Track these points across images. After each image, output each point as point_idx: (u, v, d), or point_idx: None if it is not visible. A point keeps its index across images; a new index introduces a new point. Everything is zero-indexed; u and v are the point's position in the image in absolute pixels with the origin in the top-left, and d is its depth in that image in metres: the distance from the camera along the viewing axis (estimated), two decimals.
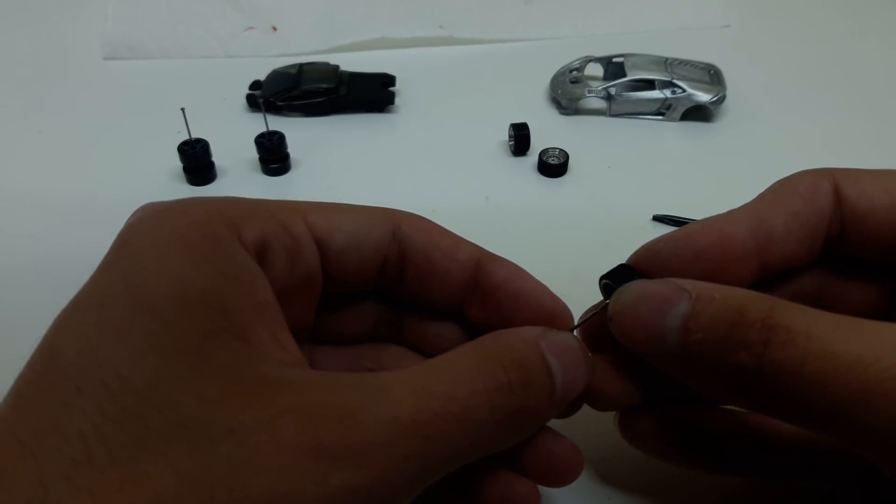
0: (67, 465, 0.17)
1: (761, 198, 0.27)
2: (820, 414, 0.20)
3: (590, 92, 0.53)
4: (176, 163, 0.47)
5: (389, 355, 0.29)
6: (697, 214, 0.44)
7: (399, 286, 0.27)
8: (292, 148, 0.49)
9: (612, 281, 0.26)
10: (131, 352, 0.19)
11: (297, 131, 0.50)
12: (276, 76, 0.54)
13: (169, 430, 0.18)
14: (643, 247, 0.27)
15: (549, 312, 0.26)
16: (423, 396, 0.21)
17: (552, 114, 0.54)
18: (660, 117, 0.53)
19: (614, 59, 0.54)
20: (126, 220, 0.24)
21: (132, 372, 0.18)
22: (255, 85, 0.54)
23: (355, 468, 0.19)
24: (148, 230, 0.22)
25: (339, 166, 0.49)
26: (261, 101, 0.51)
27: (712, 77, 0.53)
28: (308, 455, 0.18)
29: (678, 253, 0.26)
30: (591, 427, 0.30)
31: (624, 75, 0.52)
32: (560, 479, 0.26)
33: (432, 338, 0.29)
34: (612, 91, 0.52)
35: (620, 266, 0.26)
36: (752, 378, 0.21)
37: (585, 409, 0.27)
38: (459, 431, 0.21)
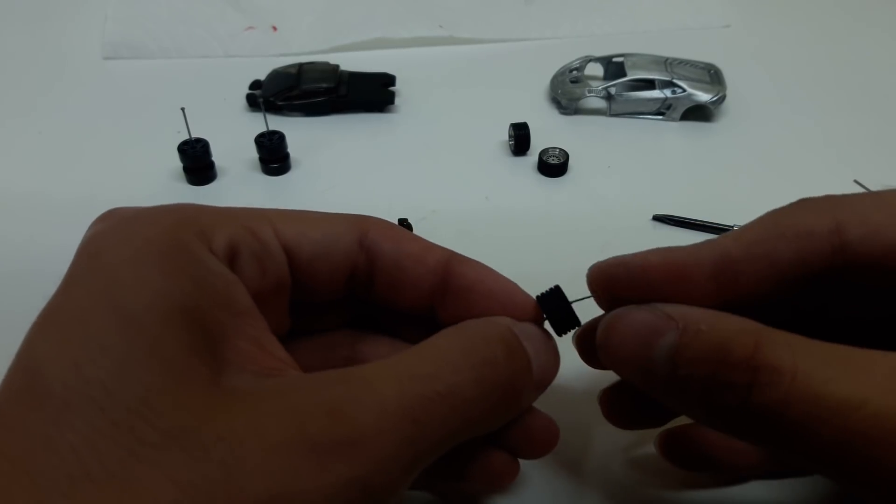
0: (65, 483, 0.17)
1: (742, 234, 0.24)
2: (806, 455, 0.20)
3: (590, 92, 0.53)
4: (176, 163, 0.47)
5: (364, 341, 0.29)
6: (697, 214, 0.44)
7: (369, 292, 0.27)
8: (292, 148, 0.49)
9: (543, 306, 0.26)
10: (117, 367, 0.19)
11: (297, 131, 0.50)
12: (276, 76, 0.54)
13: (162, 441, 0.18)
14: (601, 265, 0.26)
15: (520, 309, 0.26)
16: (407, 380, 0.21)
17: (552, 114, 0.54)
18: (660, 117, 0.53)
19: (614, 59, 0.54)
20: (95, 219, 0.23)
21: (120, 386, 0.18)
22: (255, 85, 0.54)
23: (348, 461, 0.19)
24: (119, 241, 0.21)
25: (339, 166, 0.49)
26: (261, 100, 0.51)
27: (712, 77, 0.53)
28: (299, 453, 0.18)
29: (633, 283, 0.25)
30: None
31: (624, 75, 0.52)
32: (537, 450, 0.27)
33: (404, 334, 0.29)
34: (612, 91, 0.52)
35: (555, 289, 0.27)
36: (737, 416, 0.21)
37: (585, 400, 0.28)
38: (447, 411, 0.21)
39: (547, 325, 0.27)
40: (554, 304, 0.26)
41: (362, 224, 0.26)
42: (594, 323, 0.26)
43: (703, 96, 0.51)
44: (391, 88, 0.54)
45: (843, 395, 0.19)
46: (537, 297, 0.27)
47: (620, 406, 0.29)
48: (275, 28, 0.62)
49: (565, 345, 0.27)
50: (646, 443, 0.32)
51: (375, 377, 0.21)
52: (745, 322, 0.22)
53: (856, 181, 0.46)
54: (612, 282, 0.25)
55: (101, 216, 0.24)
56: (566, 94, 0.53)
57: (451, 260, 0.27)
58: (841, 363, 0.20)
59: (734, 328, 0.21)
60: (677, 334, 0.22)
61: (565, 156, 0.48)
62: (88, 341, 0.19)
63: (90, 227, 0.23)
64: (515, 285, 0.27)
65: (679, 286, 0.24)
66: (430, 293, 0.27)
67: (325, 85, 0.53)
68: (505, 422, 0.25)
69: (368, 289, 0.27)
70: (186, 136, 0.46)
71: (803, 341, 0.21)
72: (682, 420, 0.29)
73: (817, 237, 0.23)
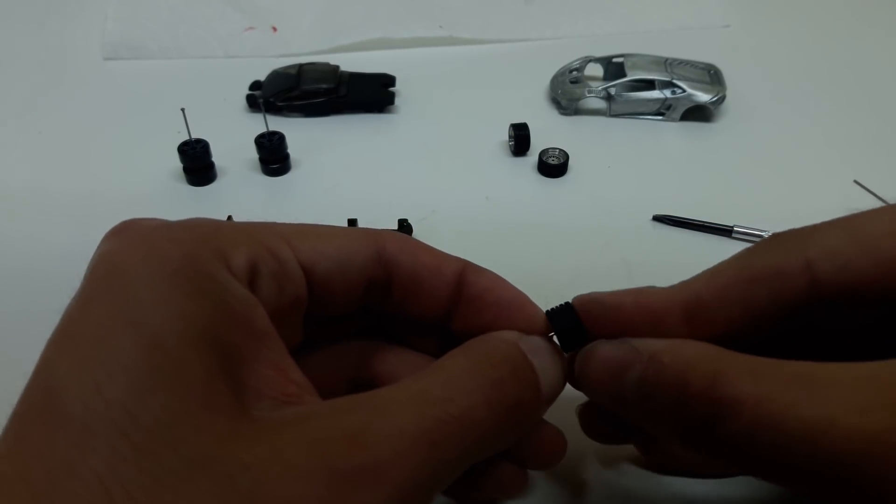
0: None
1: (714, 278, 0.25)
2: (781, 479, 0.20)
3: (590, 92, 0.53)
4: (176, 163, 0.47)
5: (374, 352, 0.29)
6: (697, 214, 0.44)
7: (384, 304, 0.27)
8: (292, 148, 0.49)
9: (553, 322, 0.26)
10: (139, 389, 0.18)
11: (297, 131, 0.50)
12: (276, 76, 0.54)
13: (186, 468, 0.18)
14: (581, 299, 0.26)
15: (528, 322, 0.26)
16: (423, 404, 0.21)
17: (552, 114, 0.54)
18: (660, 117, 0.53)
19: (614, 59, 0.54)
20: (108, 231, 0.23)
21: (142, 410, 0.18)
22: (255, 85, 0.54)
23: (369, 489, 0.19)
24: (138, 259, 0.21)
25: (339, 167, 0.49)
26: (261, 101, 0.52)
27: (712, 77, 0.53)
28: (322, 481, 0.18)
29: (607, 321, 0.25)
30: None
31: (624, 75, 0.52)
32: (546, 461, 0.28)
33: (415, 343, 0.29)
34: (612, 91, 0.52)
35: (566, 305, 0.27)
36: (708, 444, 0.21)
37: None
38: (462, 432, 0.21)
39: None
40: (563, 320, 0.26)
41: (378, 238, 0.26)
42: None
43: (703, 96, 0.51)
44: (391, 89, 0.54)
45: (810, 418, 0.19)
46: (547, 312, 0.27)
47: (596, 422, 0.29)
48: (275, 28, 0.62)
49: None
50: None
51: (391, 401, 0.21)
52: (706, 350, 0.22)
53: (856, 181, 0.46)
54: (588, 317, 0.26)
55: (115, 229, 0.23)
56: (566, 94, 0.53)
57: (465, 269, 0.27)
58: (805, 384, 0.19)
59: (693, 357, 0.22)
60: (643, 367, 0.22)
61: (565, 156, 0.48)
62: (109, 362, 0.19)
63: (104, 240, 0.23)
64: (525, 297, 0.27)
65: (651, 328, 0.24)
66: (447, 303, 0.27)
67: (324, 85, 0.53)
68: (517, 438, 0.25)
69: (384, 301, 0.27)
70: (186, 137, 0.46)
71: (766, 364, 0.20)
72: None
73: (789, 277, 0.23)
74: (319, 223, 0.27)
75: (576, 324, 0.26)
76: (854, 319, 0.24)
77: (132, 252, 0.21)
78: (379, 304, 0.27)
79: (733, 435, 0.20)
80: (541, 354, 0.25)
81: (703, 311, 0.24)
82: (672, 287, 0.25)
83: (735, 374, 0.20)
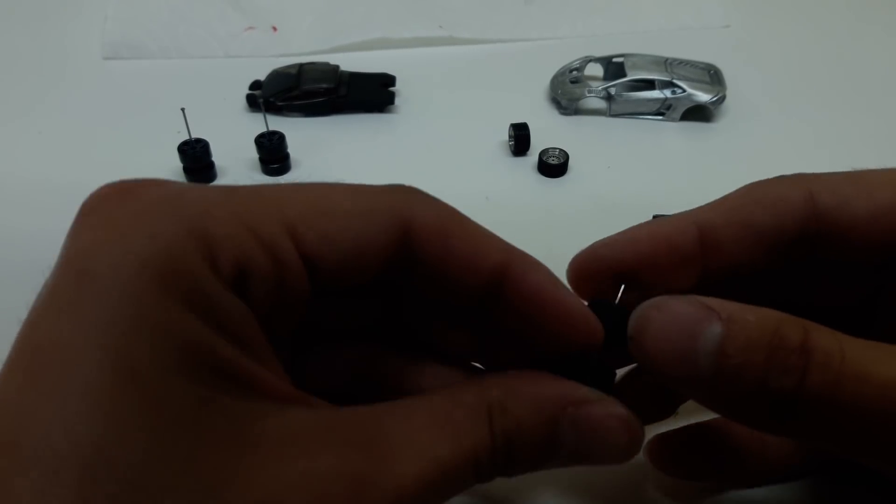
0: None
1: (721, 203, 0.26)
2: (854, 437, 0.20)
3: (590, 92, 0.53)
4: (176, 163, 0.47)
5: (394, 366, 0.27)
6: None
7: (405, 285, 0.24)
8: (292, 148, 0.49)
9: (597, 312, 0.24)
10: (115, 429, 0.16)
11: (297, 131, 0.50)
12: (276, 76, 0.54)
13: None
14: (585, 250, 0.26)
15: (582, 332, 0.24)
16: (427, 462, 0.20)
17: (552, 114, 0.54)
18: (660, 117, 0.53)
19: (614, 59, 0.54)
20: (82, 207, 0.21)
21: (119, 454, 0.16)
22: (255, 85, 0.54)
23: None
24: (112, 261, 0.18)
25: (339, 166, 0.49)
26: (261, 101, 0.52)
27: (712, 77, 0.53)
28: None
29: (622, 259, 0.25)
30: None
31: (624, 75, 0.52)
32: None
33: (441, 333, 0.27)
34: (612, 91, 0.52)
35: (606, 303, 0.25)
36: (789, 402, 0.20)
37: None
38: (448, 488, 0.21)
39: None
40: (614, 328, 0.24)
41: (405, 212, 0.23)
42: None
43: (703, 96, 0.51)
44: (391, 89, 0.54)
45: (889, 375, 0.20)
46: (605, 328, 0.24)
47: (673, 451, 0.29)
48: (275, 28, 0.62)
49: None
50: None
51: (396, 453, 0.20)
52: (783, 313, 0.22)
53: None
54: (599, 264, 0.25)
55: (87, 208, 0.21)
56: (566, 94, 0.53)
57: (511, 263, 0.23)
58: (882, 350, 0.20)
59: (781, 318, 0.21)
60: (723, 324, 0.21)
61: (565, 156, 0.48)
62: (81, 395, 0.16)
63: (77, 223, 0.20)
64: (581, 305, 0.24)
65: (667, 256, 0.25)
66: (478, 297, 0.24)
67: (325, 85, 0.53)
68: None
69: (405, 282, 0.24)
70: (186, 137, 0.46)
71: (843, 334, 0.21)
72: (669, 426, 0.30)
73: (791, 204, 0.25)
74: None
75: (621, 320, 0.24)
76: (851, 258, 0.25)
77: (106, 251, 0.18)
78: (398, 284, 0.24)
79: (820, 387, 0.20)
80: (593, 430, 0.22)
81: (713, 233, 0.25)
82: (676, 215, 0.26)
83: (821, 332, 0.21)
